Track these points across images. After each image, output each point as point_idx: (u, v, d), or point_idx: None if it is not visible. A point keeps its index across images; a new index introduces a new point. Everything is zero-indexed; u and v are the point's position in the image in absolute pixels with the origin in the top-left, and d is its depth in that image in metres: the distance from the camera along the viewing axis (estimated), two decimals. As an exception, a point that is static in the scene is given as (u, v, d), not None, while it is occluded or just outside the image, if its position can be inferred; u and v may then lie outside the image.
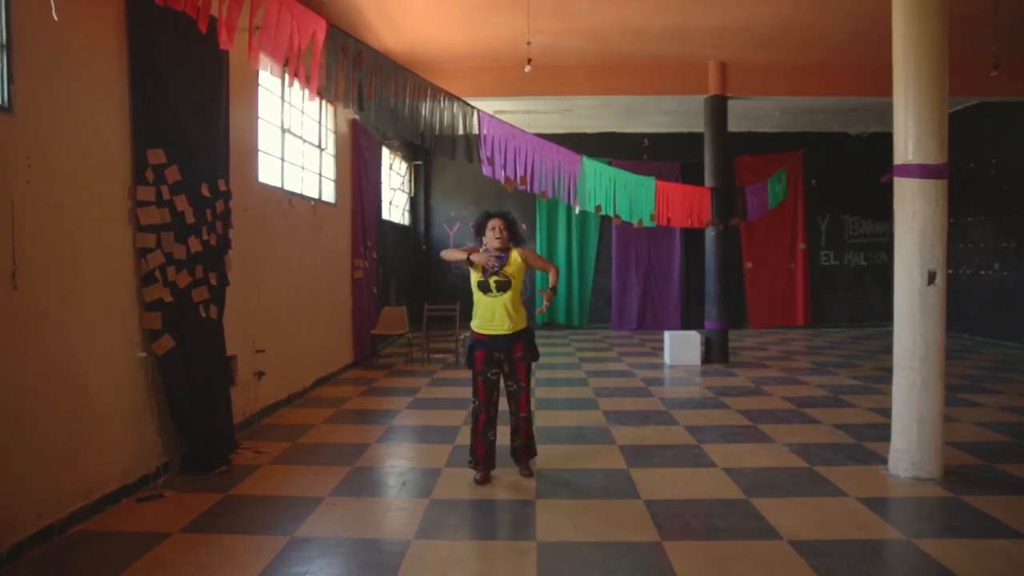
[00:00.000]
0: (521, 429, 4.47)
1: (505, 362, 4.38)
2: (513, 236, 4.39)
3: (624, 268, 13.56)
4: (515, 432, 4.50)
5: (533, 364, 4.47)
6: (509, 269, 4.33)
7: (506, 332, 4.31)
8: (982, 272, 11.50)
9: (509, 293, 4.30)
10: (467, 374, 4.54)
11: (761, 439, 5.43)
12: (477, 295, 4.38)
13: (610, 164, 8.95)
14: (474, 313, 4.42)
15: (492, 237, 4.34)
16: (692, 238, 12.93)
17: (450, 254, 4.38)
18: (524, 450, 4.50)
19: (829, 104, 10.96)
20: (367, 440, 5.44)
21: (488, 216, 4.42)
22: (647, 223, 8.31)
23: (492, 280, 4.31)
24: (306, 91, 4.16)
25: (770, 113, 11.89)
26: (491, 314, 4.31)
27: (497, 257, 4.32)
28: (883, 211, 12.95)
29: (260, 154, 6.19)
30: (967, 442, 5.25)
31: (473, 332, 4.40)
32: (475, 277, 4.36)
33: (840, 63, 9.17)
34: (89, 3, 3.87)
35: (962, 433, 5.51)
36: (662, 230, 12.13)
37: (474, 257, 4.27)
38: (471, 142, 5.71)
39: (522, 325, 4.39)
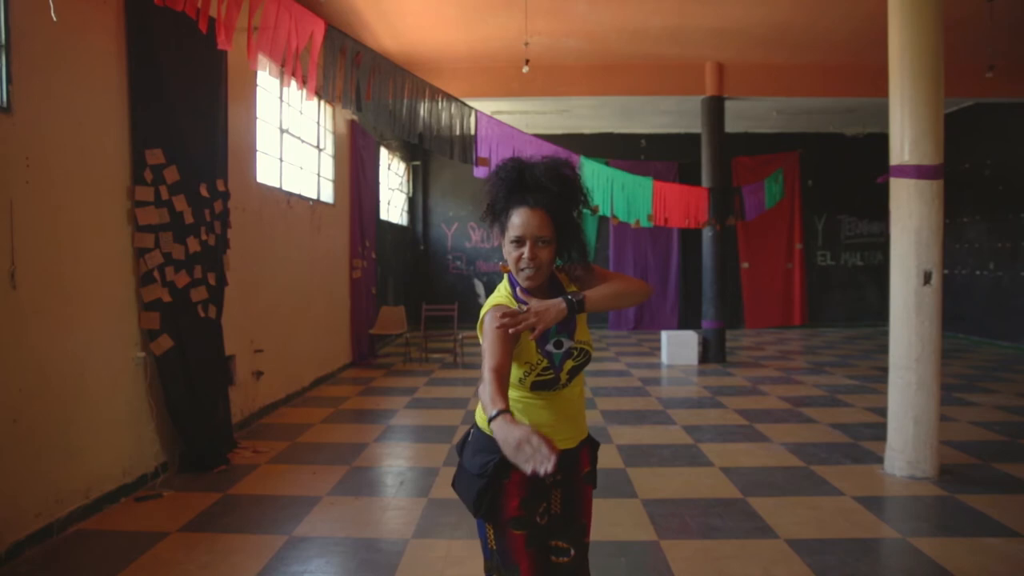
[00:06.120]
0: None
1: (557, 489, 1.92)
2: (568, 245, 2.01)
3: (621, 268, 13.56)
4: None
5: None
6: (584, 332, 1.90)
7: (574, 445, 1.93)
8: (977, 272, 11.55)
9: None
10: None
11: (758, 438, 5.45)
12: (522, 393, 1.87)
13: (608, 164, 8.99)
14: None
15: (514, 254, 1.86)
16: (689, 238, 12.94)
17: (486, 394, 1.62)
18: None
19: (826, 105, 11.00)
20: (365, 439, 5.45)
21: (516, 185, 1.92)
22: (644, 223, 8.35)
23: (567, 366, 1.85)
24: (304, 91, 4.17)
25: (767, 114, 11.91)
26: (554, 418, 1.87)
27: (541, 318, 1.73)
28: (879, 211, 12.98)
29: (258, 154, 6.19)
30: (962, 441, 5.27)
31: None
32: (519, 368, 1.83)
33: (837, 64, 9.20)
34: (88, 3, 3.87)
35: (957, 432, 5.54)
36: (659, 230, 12.16)
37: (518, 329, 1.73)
38: (468, 142, 5.73)
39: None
